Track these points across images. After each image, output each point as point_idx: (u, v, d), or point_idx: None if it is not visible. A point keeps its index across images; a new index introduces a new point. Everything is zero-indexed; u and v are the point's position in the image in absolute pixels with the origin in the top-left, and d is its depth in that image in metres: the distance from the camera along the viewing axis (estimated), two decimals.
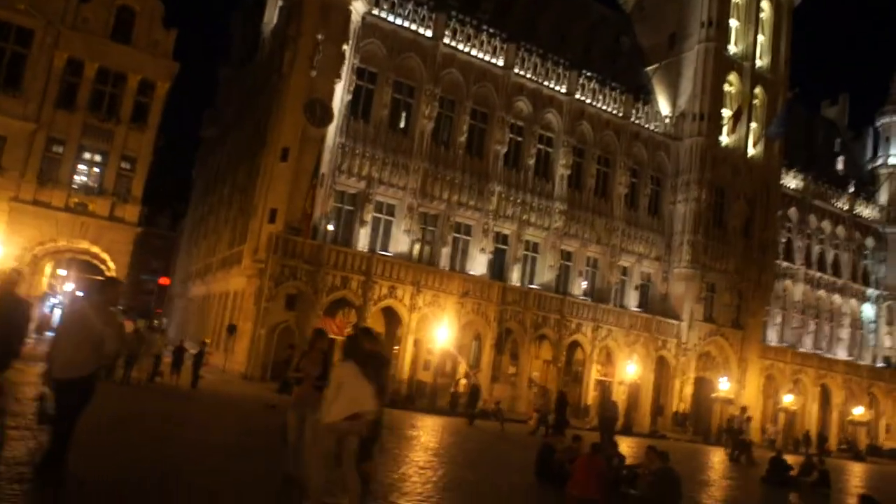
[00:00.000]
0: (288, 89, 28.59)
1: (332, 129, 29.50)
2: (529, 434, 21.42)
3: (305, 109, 28.24)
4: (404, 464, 11.09)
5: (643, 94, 40.70)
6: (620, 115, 38.38)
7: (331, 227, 30.15)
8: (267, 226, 27.77)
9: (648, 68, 42.76)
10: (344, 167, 30.42)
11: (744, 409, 30.02)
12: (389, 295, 30.11)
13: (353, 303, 29.70)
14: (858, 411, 44.93)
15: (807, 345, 45.77)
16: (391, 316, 30.88)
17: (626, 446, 20.66)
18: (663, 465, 9.28)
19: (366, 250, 30.55)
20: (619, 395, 36.18)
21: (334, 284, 28.89)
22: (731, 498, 13.52)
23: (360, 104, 31.18)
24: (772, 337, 44.08)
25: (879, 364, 48.44)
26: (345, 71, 29.73)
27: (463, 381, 28.48)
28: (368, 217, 31.03)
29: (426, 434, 17.81)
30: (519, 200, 34.80)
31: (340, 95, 29.64)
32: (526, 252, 35.57)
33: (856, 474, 27.29)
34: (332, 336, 28.91)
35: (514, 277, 34.61)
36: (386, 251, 31.34)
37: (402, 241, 31.75)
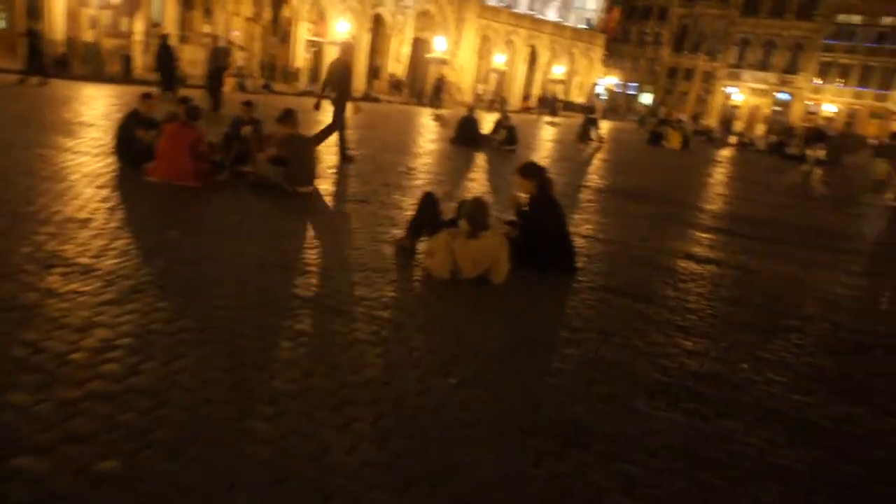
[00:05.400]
0: None
1: None
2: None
3: None
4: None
5: None
6: None
7: None
8: None
9: None
10: None
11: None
12: None
13: None
14: (559, 70, 48.08)
15: (521, 5, 45.92)
16: None
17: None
18: (291, 131, 7.16)
19: None
20: (331, 56, 33.72)
21: None
22: (419, 164, 12.52)
23: None
24: None
25: (581, 25, 50.96)
26: None
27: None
28: None
29: (83, 105, 14.10)
30: None
31: None
32: None
33: (547, 129, 29.05)
34: None
35: None
36: None
37: None
